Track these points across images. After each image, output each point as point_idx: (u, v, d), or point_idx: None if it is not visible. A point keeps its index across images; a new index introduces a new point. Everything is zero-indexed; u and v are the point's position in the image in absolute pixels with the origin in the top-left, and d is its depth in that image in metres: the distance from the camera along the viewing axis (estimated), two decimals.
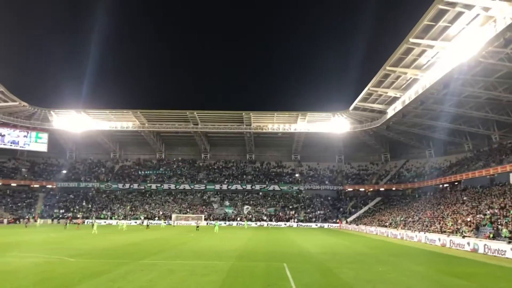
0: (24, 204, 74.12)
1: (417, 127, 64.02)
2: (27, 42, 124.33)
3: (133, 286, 13.45)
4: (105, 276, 15.29)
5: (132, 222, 67.72)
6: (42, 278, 14.83)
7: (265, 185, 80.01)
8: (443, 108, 51.25)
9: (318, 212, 73.60)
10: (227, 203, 77.96)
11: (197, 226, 55.90)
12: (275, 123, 76.80)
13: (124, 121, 77.82)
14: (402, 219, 50.14)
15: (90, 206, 75.78)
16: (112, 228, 56.12)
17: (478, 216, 35.83)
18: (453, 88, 43.36)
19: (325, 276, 16.50)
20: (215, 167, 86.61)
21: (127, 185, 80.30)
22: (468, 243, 29.02)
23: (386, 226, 50.45)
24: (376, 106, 61.07)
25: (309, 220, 70.55)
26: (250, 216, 72.71)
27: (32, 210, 73.00)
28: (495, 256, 25.42)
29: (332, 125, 72.55)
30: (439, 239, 33.58)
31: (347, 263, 20.49)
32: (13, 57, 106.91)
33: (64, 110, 74.69)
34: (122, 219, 68.27)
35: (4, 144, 73.84)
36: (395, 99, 56.29)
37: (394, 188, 73.24)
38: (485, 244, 27.05)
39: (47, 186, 79.52)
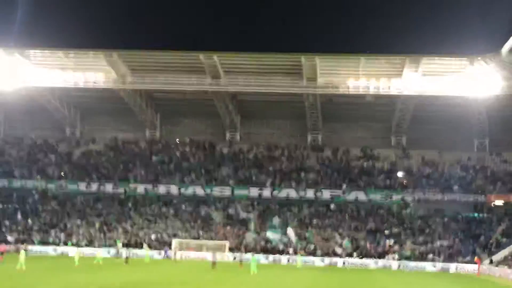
0: None
1: None
2: None
3: None
4: None
5: (103, 251, 63.33)
6: None
7: (340, 191, 75.23)
8: None
9: (439, 242, 68.73)
10: (271, 222, 73.46)
11: (214, 262, 53.35)
12: (360, 77, 69.14)
13: (91, 71, 72.22)
14: None
15: (30, 221, 72.28)
16: (65, 261, 54.06)
17: None
18: None
19: None
20: (250, 156, 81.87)
21: (94, 186, 77.00)
22: None
23: None
24: None
25: (422, 257, 66.49)
26: (307, 244, 68.37)
27: None
28: None
29: (467, 81, 66.09)
30: None
31: None
32: None
33: None
34: (85, 245, 65.67)
35: None
36: None
37: None
38: None
39: None
